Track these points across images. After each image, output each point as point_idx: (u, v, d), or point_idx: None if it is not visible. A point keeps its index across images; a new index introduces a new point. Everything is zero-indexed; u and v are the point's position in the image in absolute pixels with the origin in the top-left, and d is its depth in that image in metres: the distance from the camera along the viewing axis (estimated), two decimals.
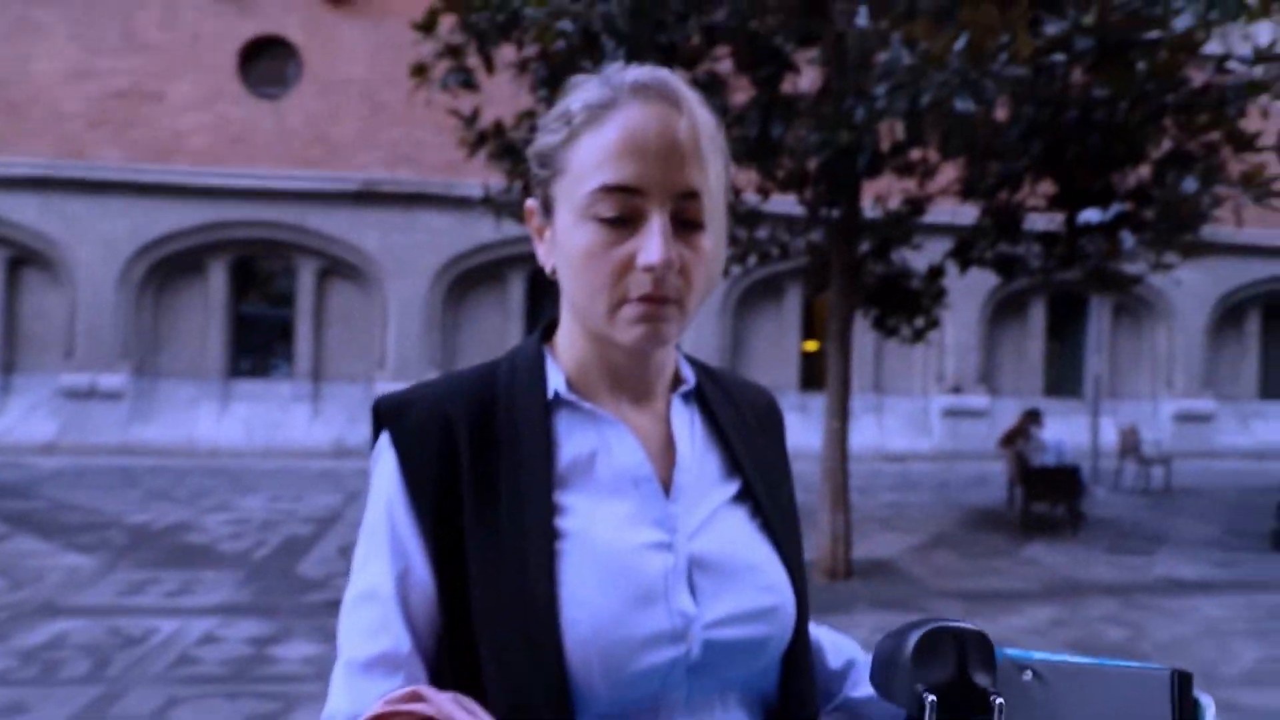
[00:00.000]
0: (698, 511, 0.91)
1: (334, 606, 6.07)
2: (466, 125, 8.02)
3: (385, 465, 0.87)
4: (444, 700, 0.75)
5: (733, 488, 0.95)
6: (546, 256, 0.92)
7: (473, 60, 7.63)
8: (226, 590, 6.35)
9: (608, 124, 0.84)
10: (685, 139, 0.84)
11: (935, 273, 8.63)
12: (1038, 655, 0.87)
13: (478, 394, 0.90)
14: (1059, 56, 5.19)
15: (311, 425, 14.70)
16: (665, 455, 0.93)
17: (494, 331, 15.63)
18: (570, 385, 0.92)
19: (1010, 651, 0.87)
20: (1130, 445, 13.12)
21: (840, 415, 7.34)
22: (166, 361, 14.75)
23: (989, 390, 16.86)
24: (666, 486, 0.91)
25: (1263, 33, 11.59)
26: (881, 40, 5.55)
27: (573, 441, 0.90)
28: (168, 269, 14.77)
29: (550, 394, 0.91)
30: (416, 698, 0.75)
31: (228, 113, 14.70)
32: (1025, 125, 6.34)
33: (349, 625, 0.84)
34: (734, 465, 0.96)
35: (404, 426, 0.87)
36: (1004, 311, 17.20)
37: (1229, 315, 18.71)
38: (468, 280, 15.56)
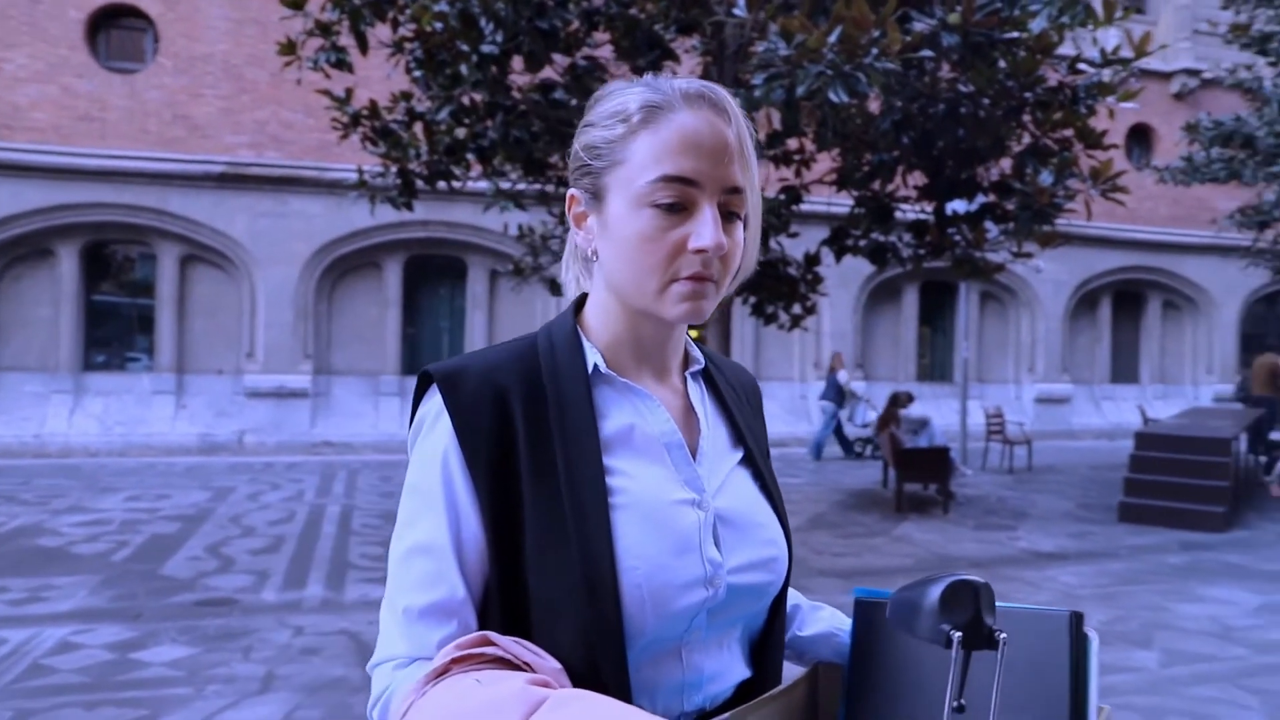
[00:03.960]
0: (716, 474, 1.04)
1: (205, 606, 5.84)
2: (339, 106, 7.76)
3: (440, 429, 0.95)
4: (510, 643, 0.84)
5: (738, 455, 1.09)
6: (587, 241, 1.02)
7: (345, 39, 7.38)
8: (83, 595, 5.98)
9: (665, 124, 0.94)
10: (733, 142, 0.95)
11: (812, 260, 8.84)
12: None
13: (525, 367, 0.98)
14: (927, 52, 5.36)
15: (175, 420, 14.00)
16: (687, 425, 1.05)
17: (370, 321, 15.22)
18: (604, 361, 1.02)
19: None
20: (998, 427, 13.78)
21: None
22: (10, 355, 13.77)
23: (865, 375, 17.41)
24: (692, 452, 1.03)
25: (1112, 38, 12.30)
26: (759, 31, 5.62)
27: (612, 413, 1.00)
28: (9, 254, 13.76)
29: (590, 369, 1.00)
30: (486, 642, 0.83)
31: (74, 86, 13.77)
32: (896, 117, 6.53)
33: (403, 576, 0.93)
34: (738, 436, 1.10)
35: (460, 393, 0.95)
36: (879, 299, 17.79)
37: (1084, 303, 19.85)
38: (342, 267, 15.09)
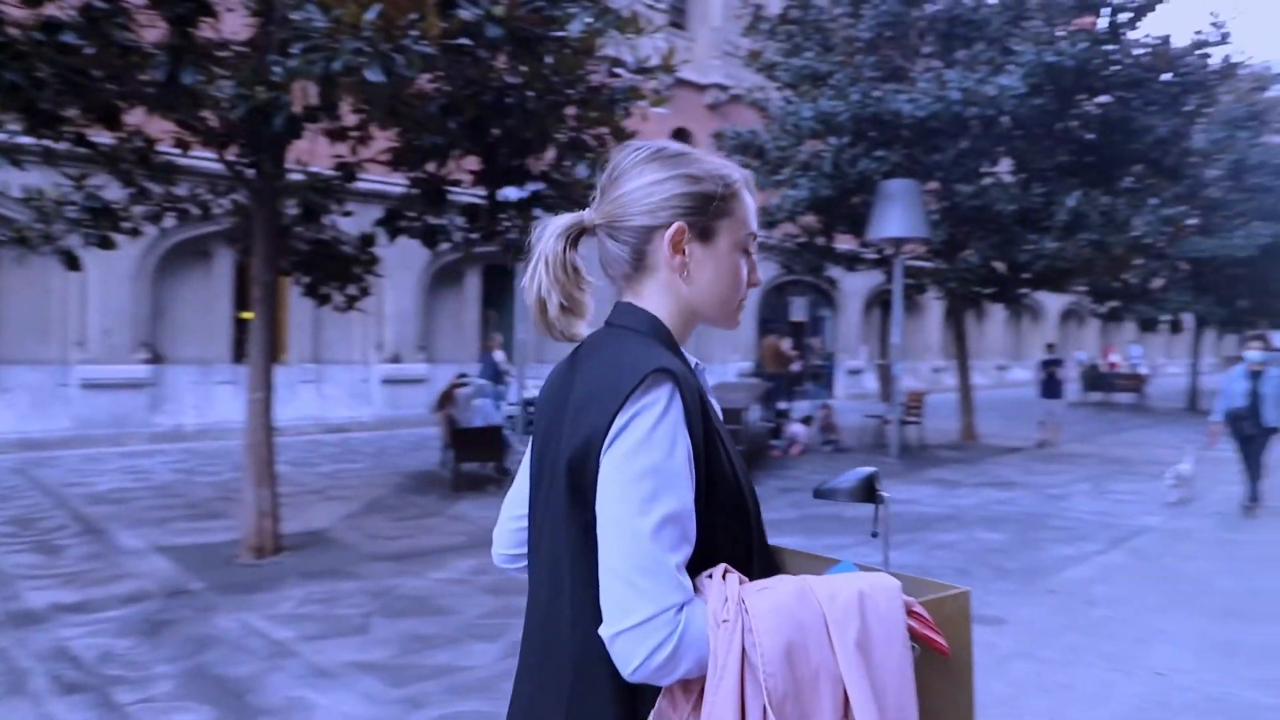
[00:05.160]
0: None
1: None
2: None
3: (674, 419, 1.15)
4: (736, 573, 1.18)
5: None
6: (682, 265, 1.30)
7: None
8: None
9: (748, 194, 1.36)
10: None
11: (367, 240, 8.66)
12: None
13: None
14: (467, 40, 5.47)
15: None
16: None
17: None
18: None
19: None
20: None
21: (263, 386, 7.01)
22: None
23: (428, 358, 17.48)
24: None
25: (661, 47, 13.51)
26: None
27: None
28: None
29: (694, 365, 1.33)
30: (728, 570, 1.17)
31: None
32: (444, 102, 6.60)
33: (662, 541, 1.11)
34: None
35: (684, 390, 1.17)
36: (442, 281, 17.92)
37: None
38: None
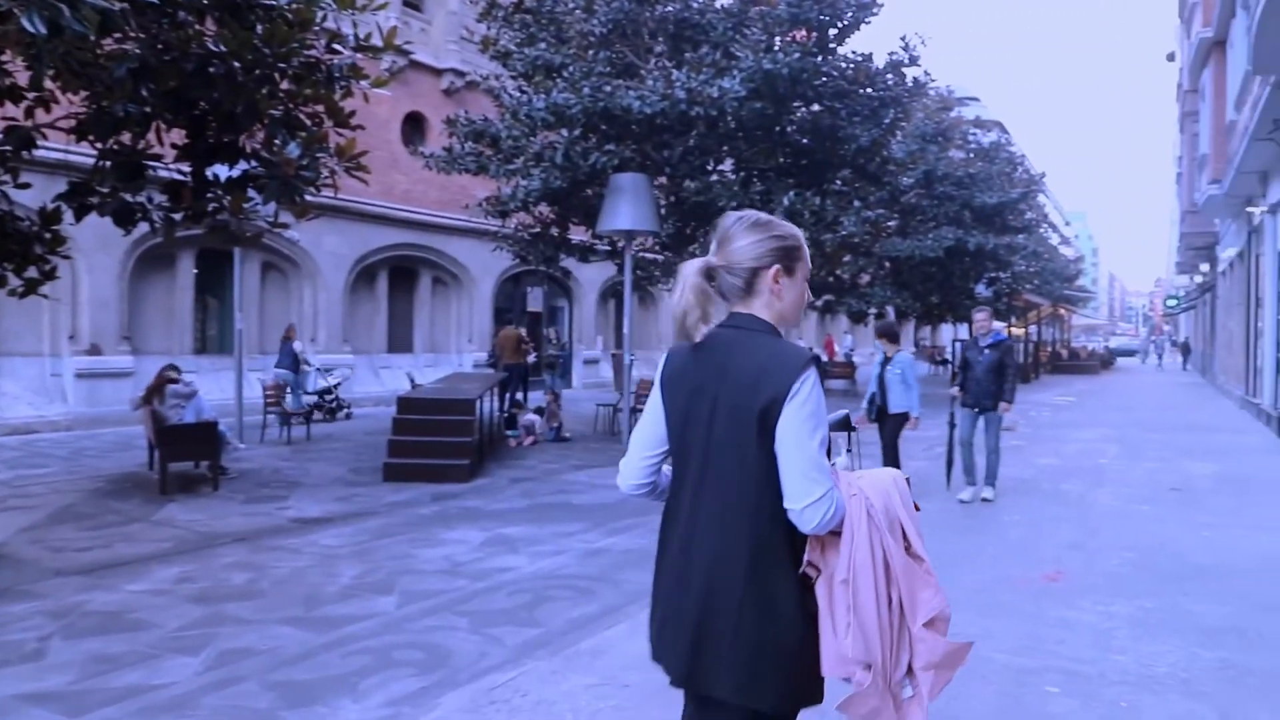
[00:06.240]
0: None
1: None
2: None
3: (818, 381, 1.91)
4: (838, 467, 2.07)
5: None
6: (778, 291, 2.04)
7: None
8: None
9: (805, 248, 2.11)
10: None
11: (51, 217, 7.69)
12: None
13: None
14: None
15: None
16: None
17: None
18: None
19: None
20: (275, 399, 13.76)
21: None
22: None
23: (133, 349, 15.91)
24: None
25: (385, 22, 12.98)
26: None
27: None
28: None
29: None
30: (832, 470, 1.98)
31: None
32: (133, 65, 5.98)
33: (821, 452, 1.88)
34: None
35: (818, 369, 1.94)
36: (150, 265, 16.35)
37: (363, 276, 20.82)
38: None
